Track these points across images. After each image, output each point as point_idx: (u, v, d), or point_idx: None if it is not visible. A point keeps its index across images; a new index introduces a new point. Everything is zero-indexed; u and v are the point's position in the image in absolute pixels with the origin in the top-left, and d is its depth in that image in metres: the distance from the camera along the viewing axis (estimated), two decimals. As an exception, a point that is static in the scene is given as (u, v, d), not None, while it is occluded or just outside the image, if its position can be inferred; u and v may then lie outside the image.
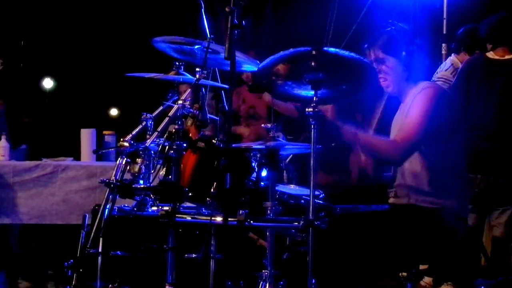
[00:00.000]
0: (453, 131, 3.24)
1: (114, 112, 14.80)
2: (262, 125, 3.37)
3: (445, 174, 3.21)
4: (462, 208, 3.26)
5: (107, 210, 3.06)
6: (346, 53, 2.94)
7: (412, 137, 3.15)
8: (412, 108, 3.21)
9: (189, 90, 3.26)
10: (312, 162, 2.84)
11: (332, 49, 2.94)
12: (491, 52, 4.74)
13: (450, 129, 3.22)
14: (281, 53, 2.95)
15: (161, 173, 3.24)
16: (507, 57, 4.66)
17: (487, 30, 4.78)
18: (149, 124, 3.28)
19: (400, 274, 3.11)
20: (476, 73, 4.68)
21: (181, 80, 3.40)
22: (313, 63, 2.91)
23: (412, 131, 3.16)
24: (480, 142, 4.48)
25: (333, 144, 3.43)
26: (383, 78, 3.33)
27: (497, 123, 4.54)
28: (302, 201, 3.36)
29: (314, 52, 2.87)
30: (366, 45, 3.37)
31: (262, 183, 3.15)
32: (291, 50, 2.93)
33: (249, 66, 3.49)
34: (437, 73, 5.27)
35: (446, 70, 5.23)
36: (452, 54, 5.32)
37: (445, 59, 5.56)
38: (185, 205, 3.22)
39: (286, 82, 3.09)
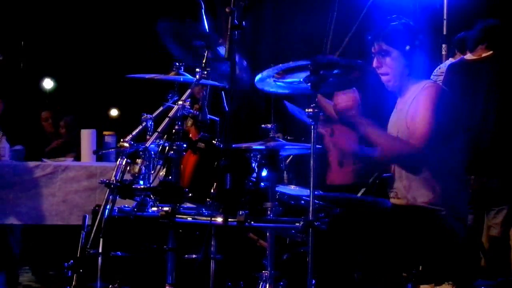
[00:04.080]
0: (454, 131, 3.22)
1: (114, 112, 14.80)
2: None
3: (445, 174, 3.20)
4: (461, 209, 3.26)
5: (107, 210, 3.05)
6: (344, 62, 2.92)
7: (427, 138, 3.10)
8: (418, 109, 3.18)
9: (189, 90, 3.26)
10: (312, 162, 2.84)
11: (331, 60, 2.91)
12: (469, 54, 4.75)
13: (452, 129, 3.21)
14: (281, 66, 2.94)
15: (161, 173, 3.23)
16: (484, 55, 4.68)
17: (470, 37, 4.80)
18: (149, 125, 3.28)
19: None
20: (458, 77, 4.70)
21: (181, 80, 3.40)
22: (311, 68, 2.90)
23: (426, 132, 3.11)
24: (471, 143, 4.47)
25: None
26: (384, 73, 3.31)
27: (486, 124, 4.55)
28: (302, 201, 3.36)
29: (311, 67, 2.85)
30: (369, 37, 3.34)
31: (262, 184, 3.15)
32: (290, 63, 2.91)
33: None
34: (439, 68, 5.29)
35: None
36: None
37: (445, 60, 5.58)
38: (185, 206, 3.21)
39: (281, 79, 3.09)
